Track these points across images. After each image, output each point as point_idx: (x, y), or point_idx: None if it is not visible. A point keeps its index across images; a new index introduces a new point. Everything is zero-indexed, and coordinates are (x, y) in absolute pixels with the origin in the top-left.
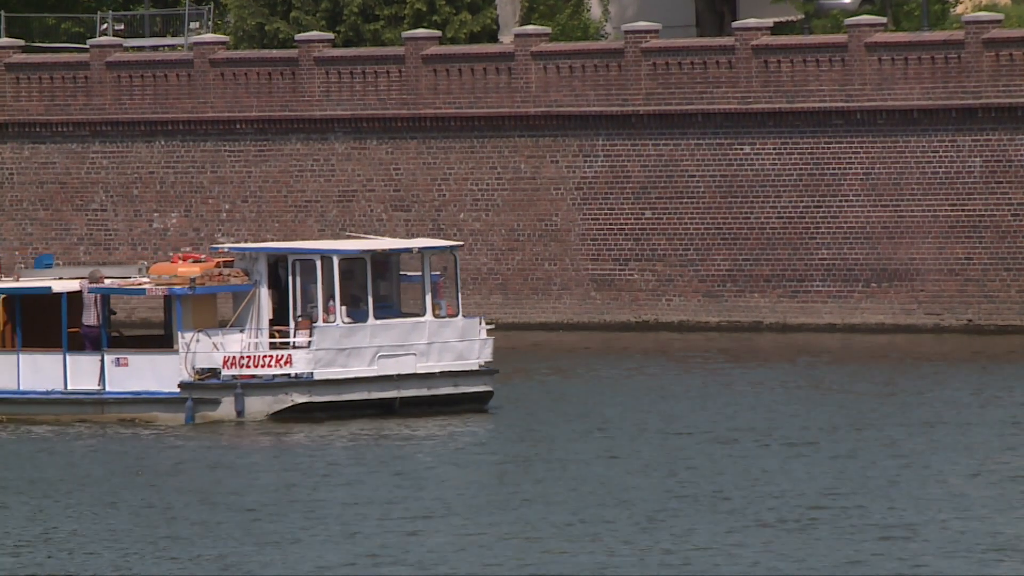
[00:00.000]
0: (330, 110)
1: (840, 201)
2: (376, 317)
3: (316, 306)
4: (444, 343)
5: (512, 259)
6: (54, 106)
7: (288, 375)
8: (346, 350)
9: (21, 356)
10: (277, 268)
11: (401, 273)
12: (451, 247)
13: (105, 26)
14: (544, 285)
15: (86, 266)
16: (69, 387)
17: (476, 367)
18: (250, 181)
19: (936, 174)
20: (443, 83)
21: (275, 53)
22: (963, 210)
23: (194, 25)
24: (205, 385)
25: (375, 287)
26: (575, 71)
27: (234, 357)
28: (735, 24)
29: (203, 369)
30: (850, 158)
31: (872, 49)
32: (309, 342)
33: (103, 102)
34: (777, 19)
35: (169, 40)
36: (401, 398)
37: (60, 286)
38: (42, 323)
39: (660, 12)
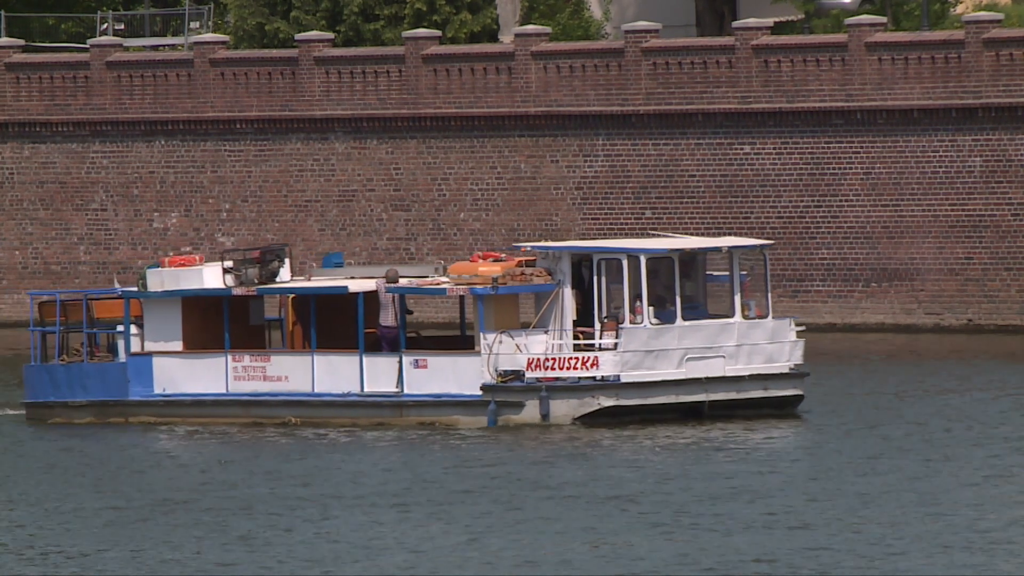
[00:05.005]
0: (330, 110)
1: (840, 201)
2: (684, 318)
3: (622, 307)
4: (753, 345)
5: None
6: (54, 106)
7: (593, 378)
8: (653, 352)
9: (316, 357)
10: (580, 267)
11: (707, 272)
12: (760, 246)
13: (105, 26)
14: None
15: (375, 266)
16: (366, 389)
17: (786, 370)
18: (250, 181)
19: (936, 174)
20: (443, 83)
21: (275, 53)
22: (963, 210)
23: (194, 25)
24: (508, 387)
25: (682, 287)
26: (575, 71)
27: (538, 359)
28: (735, 24)
29: (506, 371)
30: (850, 158)
31: (872, 49)
32: (616, 344)
33: (103, 102)
34: (777, 19)
35: (169, 40)
36: (710, 402)
37: (356, 286)
38: (336, 323)
39: (660, 12)
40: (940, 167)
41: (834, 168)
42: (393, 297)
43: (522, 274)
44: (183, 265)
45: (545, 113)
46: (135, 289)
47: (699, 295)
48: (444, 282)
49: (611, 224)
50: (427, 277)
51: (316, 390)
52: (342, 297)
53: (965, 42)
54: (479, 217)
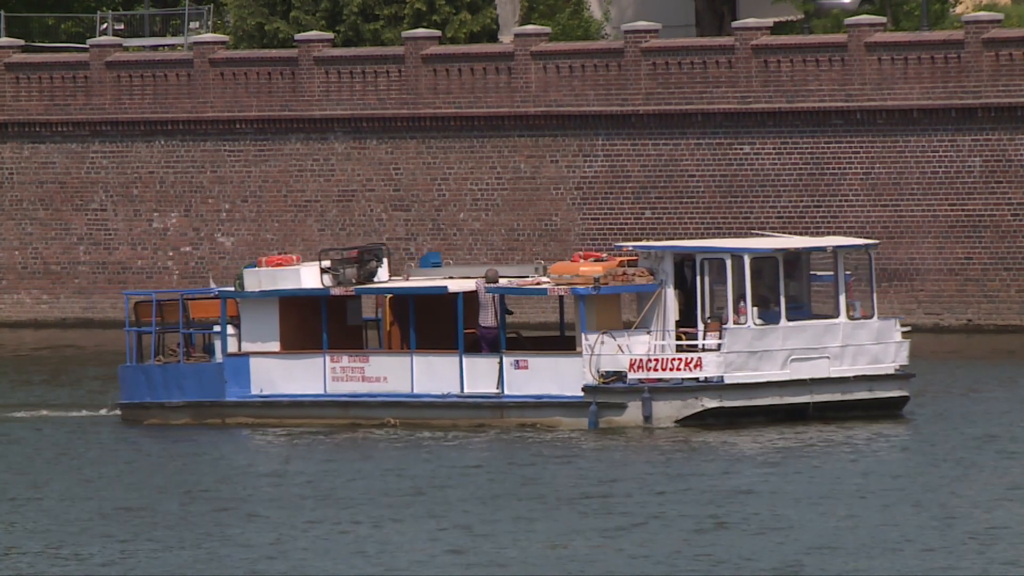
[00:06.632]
0: (330, 110)
1: (840, 201)
2: (788, 319)
3: (725, 307)
4: (859, 346)
5: (512, 259)
6: (54, 106)
7: (697, 379)
8: (757, 353)
9: (415, 358)
10: (683, 267)
11: (811, 272)
12: (866, 246)
13: (105, 26)
14: None
15: (473, 266)
16: (466, 390)
17: (892, 371)
18: (250, 181)
19: (936, 174)
20: (443, 83)
21: (275, 53)
22: (963, 210)
23: (194, 25)
24: (610, 389)
25: (786, 287)
26: (575, 71)
27: (640, 360)
28: (735, 24)
29: (608, 372)
30: (850, 158)
31: (872, 49)
32: (719, 344)
33: (103, 102)
34: (777, 19)
35: (169, 40)
36: (814, 403)
37: (456, 286)
38: (434, 324)
39: (660, 12)
40: (940, 167)
41: (834, 168)
42: (493, 297)
43: (624, 274)
44: (280, 265)
45: (545, 113)
46: (232, 289)
47: (803, 295)
48: (545, 282)
49: (611, 224)
50: (527, 277)
51: (415, 391)
52: (441, 297)
53: (965, 42)
54: (479, 217)
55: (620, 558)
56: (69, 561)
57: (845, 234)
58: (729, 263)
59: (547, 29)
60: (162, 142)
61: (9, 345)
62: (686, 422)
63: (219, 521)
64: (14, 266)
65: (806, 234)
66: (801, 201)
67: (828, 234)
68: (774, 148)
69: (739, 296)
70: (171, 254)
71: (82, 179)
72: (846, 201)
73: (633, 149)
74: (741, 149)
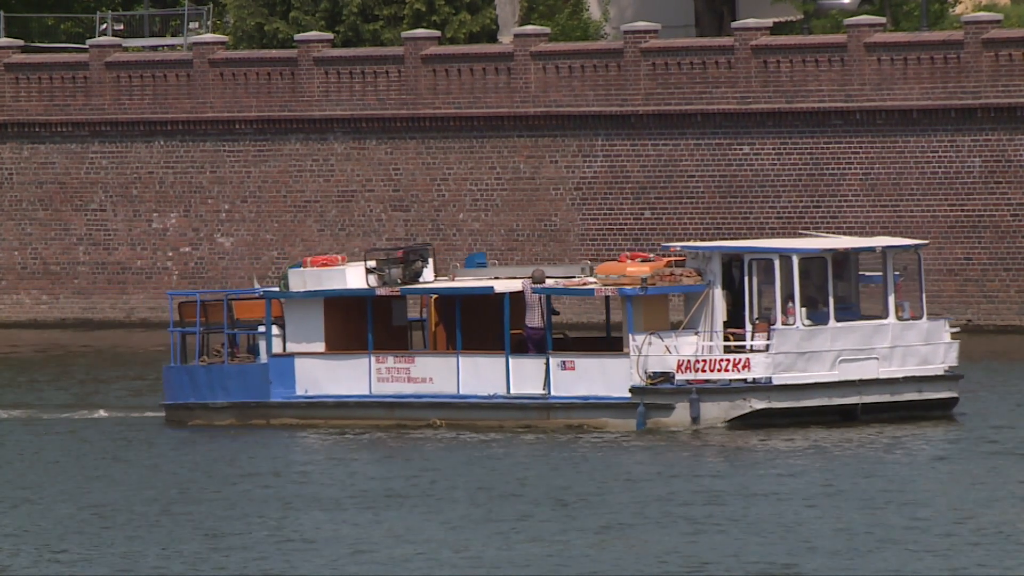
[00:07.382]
0: (329, 110)
1: (839, 201)
2: (836, 319)
3: (773, 308)
4: (908, 347)
5: (511, 259)
6: (54, 106)
7: (744, 380)
8: (806, 354)
9: (461, 358)
10: (731, 268)
11: (859, 273)
12: (915, 246)
13: (104, 26)
14: None
15: (519, 266)
16: (512, 391)
17: (941, 372)
18: (249, 181)
19: (935, 174)
20: (442, 83)
21: (274, 53)
22: (962, 210)
23: (193, 25)
24: (658, 390)
25: (835, 288)
26: (574, 71)
27: (688, 361)
28: (734, 24)
29: (656, 373)
30: (849, 158)
31: (871, 49)
32: (767, 345)
33: (102, 102)
34: (777, 19)
35: (168, 40)
36: (863, 404)
37: (502, 286)
38: (479, 324)
39: (659, 12)
40: (939, 167)
41: (833, 168)
42: (539, 298)
43: (671, 274)
44: (325, 265)
45: (544, 113)
46: (276, 289)
47: (852, 296)
48: (591, 282)
49: (610, 224)
50: (574, 277)
51: (461, 392)
52: (486, 298)
53: (964, 42)
54: (478, 217)
55: (636, 556)
56: (74, 562)
57: (845, 234)
58: (777, 263)
59: (546, 29)
60: (162, 142)
61: (21, 345)
62: (734, 423)
63: (249, 519)
64: (13, 266)
65: (805, 235)
66: (801, 201)
67: (828, 234)
68: (774, 148)
69: (787, 296)
70: (171, 254)
71: (82, 179)
72: (846, 201)
73: (633, 149)
74: (741, 149)
